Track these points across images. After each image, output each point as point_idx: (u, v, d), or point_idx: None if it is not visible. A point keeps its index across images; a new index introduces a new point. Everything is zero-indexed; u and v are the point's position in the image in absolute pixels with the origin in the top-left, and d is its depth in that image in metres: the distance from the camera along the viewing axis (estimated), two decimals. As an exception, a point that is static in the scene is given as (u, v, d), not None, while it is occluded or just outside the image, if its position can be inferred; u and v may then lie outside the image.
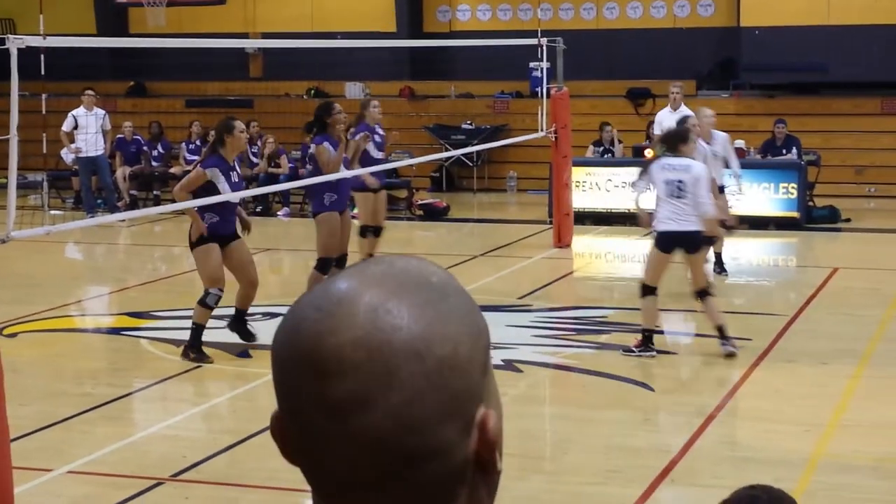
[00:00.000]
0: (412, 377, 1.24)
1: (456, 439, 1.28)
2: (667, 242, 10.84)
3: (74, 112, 20.20)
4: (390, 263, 1.32)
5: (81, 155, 20.12)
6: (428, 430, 1.25)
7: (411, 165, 19.39)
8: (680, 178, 10.71)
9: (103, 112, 20.55)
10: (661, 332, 11.47)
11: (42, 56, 11.30)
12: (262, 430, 8.95)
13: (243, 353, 11.28)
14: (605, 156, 20.44)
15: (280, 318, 1.34)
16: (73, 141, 20.22)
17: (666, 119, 18.20)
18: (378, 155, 14.10)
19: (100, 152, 20.32)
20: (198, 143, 22.35)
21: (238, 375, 10.64)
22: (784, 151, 19.52)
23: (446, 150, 21.84)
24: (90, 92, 20.59)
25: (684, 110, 18.64)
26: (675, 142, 11.06)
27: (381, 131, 14.28)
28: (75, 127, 20.12)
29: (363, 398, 1.24)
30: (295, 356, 1.27)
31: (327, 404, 1.25)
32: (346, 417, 1.24)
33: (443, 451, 1.27)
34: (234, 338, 11.73)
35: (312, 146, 12.74)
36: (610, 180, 19.13)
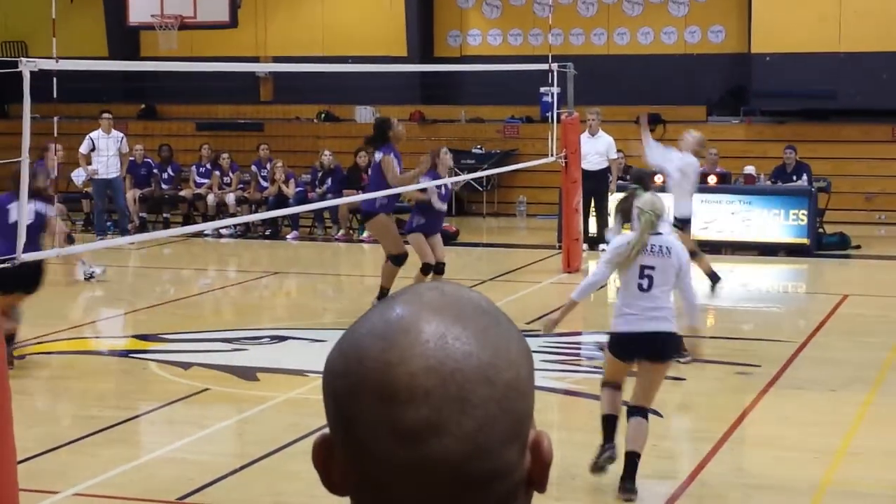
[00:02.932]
0: (484, 402, 1.27)
1: (516, 461, 1.31)
2: None
3: (92, 134, 20.23)
4: (441, 290, 1.34)
5: (97, 177, 20.13)
6: (496, 453, 1.28)
7: (421, 190, 19.35)
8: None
9: (121, 135, 20.57)
10: None
11: (55, 79, 11.32)
12: (270, 453, 8.94)
13: (250, 377, 11.27)
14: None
15: (332, 347, 1.34)
16: (89, 163, 20.25)
17: (584, 143, 18.29)
18: (441, 206, 13.98)
19: (115, 175, 20.34)
20: (208, 166, 22.39)
21: (245, 399, 10.62)
22: (794, 178, 19.50)
23: (456, 174, 21.84)
24: (108, 115, 20.61)
25: (602, 136, 18.91)
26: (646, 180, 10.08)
27: (448, 185, 14.16)
28: (92, 149, 20.14)
29: (436, 424, 1.26)
30: (362, 386, 1.28)
31: (400, 432, 1.26)
32: (420, 444, 1.26)
33: (506, 473, 1.30)
34: (240, 361, 11.75)
35: (379, 155, 13.44)
36: (595, 205, 19.13)
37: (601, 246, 17.95)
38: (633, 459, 8.00)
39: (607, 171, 19.09)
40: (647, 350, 8.03)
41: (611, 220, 11.17)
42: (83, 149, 20.12)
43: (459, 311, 1.31)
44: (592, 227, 18.77)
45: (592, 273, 8.92)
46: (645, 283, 8.14)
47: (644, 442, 8.04)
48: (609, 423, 8.22)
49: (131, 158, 21.76)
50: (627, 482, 7.99)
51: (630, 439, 8.02)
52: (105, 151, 20.08)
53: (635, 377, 8.21)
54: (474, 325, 1.30)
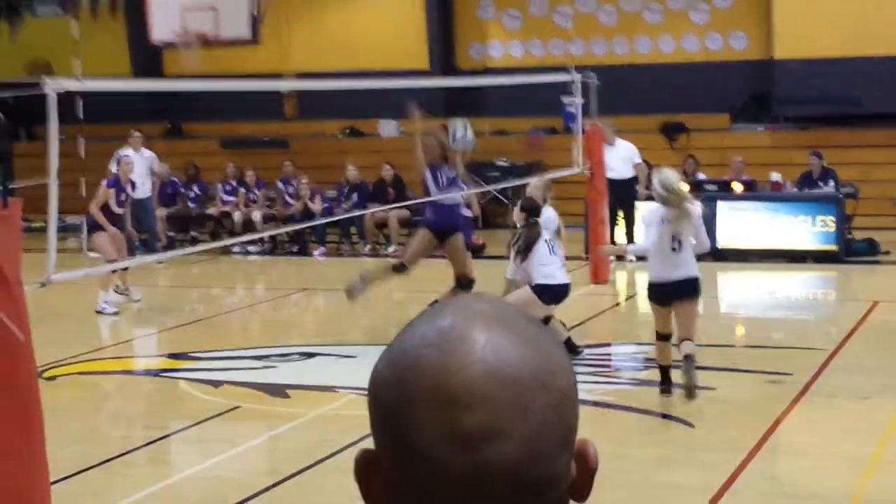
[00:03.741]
0: (542, 409, 1.29)
1: (566, 468, 1.33)
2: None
3: (122, 151, 20.15)
4: (487, 301, 1.37)
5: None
6: (551, 460, 1.30)
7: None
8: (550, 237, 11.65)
9: (151, 154, 20.56)
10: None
11: (79, 100, 11.43)
12: (301, 470, 8.94)
13: (280, 394, 11.29)
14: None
15: (378, 358, 1.35)
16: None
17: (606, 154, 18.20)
18: (443, 197, 13.71)
19: (147, 195, 20.30)
20: (234, 183, 22.46)
21: (276, 415, 10.63)
22: (821, 184, 19.42)
23: (481, 187, 21.83)
24: (137, 133, 20.63)
25: (620, 143, 18.74)
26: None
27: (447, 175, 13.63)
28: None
29: (496, 429, 1.27)
30: (418, 393, 1.29)
31: (458, 437, 1.27)
32: (478, 450, 1.27)
33: (559, 480, 1.32)
34: (270, 378, 11.77)
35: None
36: (624, 215, 19.09)
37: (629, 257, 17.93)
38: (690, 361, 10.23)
39: (633, 179, 18.99)
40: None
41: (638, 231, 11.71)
42: (113, 166, 20.02)
43: (509, 321, 1.33)
44: (620, 237, 18.72)
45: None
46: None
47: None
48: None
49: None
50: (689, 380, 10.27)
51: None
52: (137, 170, 20.03)
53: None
54: (525, 334, 1.32)
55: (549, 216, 12.20)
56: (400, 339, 1.35)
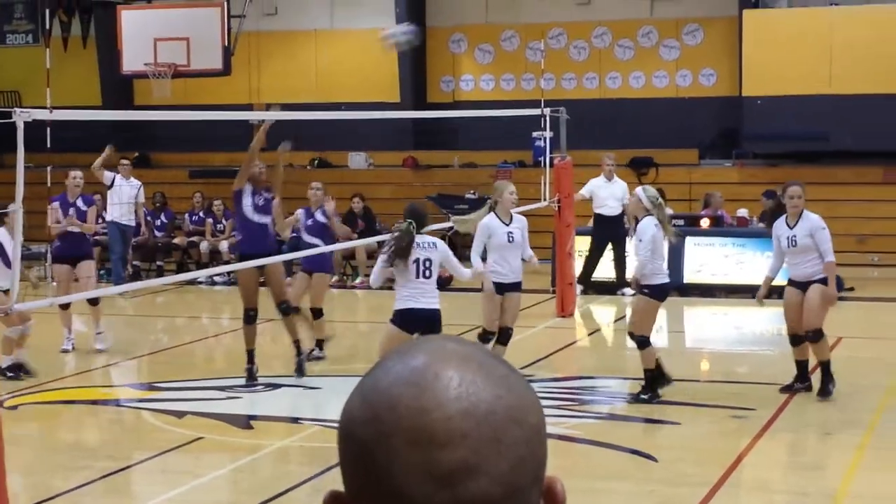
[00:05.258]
0: (516, 444, 1.31)
1: (536, 503, 1.35)
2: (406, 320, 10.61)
3: (115, 176, 20.13)
4: (455, 340, 1.39)
5: (116, 220, 20.04)
6: (526, 494, 1.32)
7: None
8: (428, 257, 10.68)
9: (139, 183, 20.52)
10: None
11: (48, 129, 11.40)
12: (264, 502, 8.88)
13: (244, 425, 11.24)
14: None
15: (350, 395, 1.36)
16: (104, 202, 20.19)
17: (600, 188, 18.42)
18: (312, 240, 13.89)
19: (131, 223, 20.27)
20: (200, 214, 22.41)
21: (240, 447, 10.57)
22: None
23: (449, 219, 21.85)
24: (125, 161, 20.62)
25: (617, 182, 18.92)
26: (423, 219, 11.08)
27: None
28: (110, 186, 20.01)
29: (474, 466, 1.29)
30: (394, 431, 1.30)
31: (437, 474, 1.28)
32: (457, 486, 1.28)
33: None
34: (234, 409, 11.72)
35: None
36: (613, 250, 19.11)
37: (621, 290, 18.04)
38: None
39: (622, 216, 19.07)
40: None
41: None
42: (106, 180, 19.93)
43: (480, 359, 1.35)
44: (610, 272, 18.72)
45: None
46: None
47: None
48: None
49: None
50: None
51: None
52: (125, 197, 20.03)
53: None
54: (497, 372, 1.35)
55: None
56: (372, 376, 1.36)
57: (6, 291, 12.81)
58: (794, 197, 11.94)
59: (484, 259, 11.98)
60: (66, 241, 14.75)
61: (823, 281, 11.86)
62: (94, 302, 14.54)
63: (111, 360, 15.02)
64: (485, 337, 12.04)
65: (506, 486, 1.30)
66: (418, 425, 1.29)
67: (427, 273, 10.65)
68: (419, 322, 10.55)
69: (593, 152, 21.83)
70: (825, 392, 11.77)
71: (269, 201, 12.98)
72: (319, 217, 14.29)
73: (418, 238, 10.68)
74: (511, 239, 11.96)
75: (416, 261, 10.61)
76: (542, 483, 1.35)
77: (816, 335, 11.81)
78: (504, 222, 12.05)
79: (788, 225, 12.04)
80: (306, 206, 14.29)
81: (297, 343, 13.01)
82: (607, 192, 18.63)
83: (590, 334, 16.91)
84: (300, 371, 12.92)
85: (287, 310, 12.97)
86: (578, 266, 18.33)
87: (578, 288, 18.08)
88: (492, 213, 12.12)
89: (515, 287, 12.12)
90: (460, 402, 1.30)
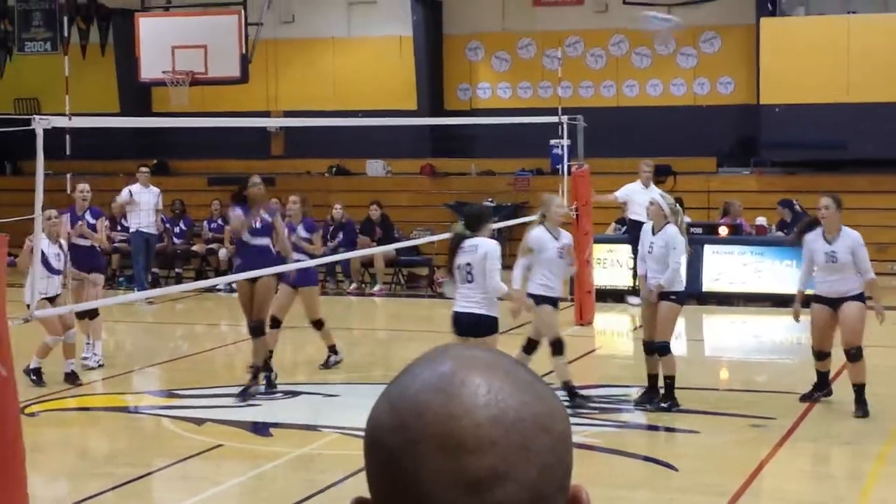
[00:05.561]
0: (544, 451, 1.32)
1: None
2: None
3: (131, 187, 20.29)
4: (480, 348, 1.39)
5: (140, 229, 20.15)
6: (551, 501, 1.33)
7: (433, 243, 19.41)
8: (468, 261, 10.46)
9: (158, 191, 20.62)
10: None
11: (67, 136, 11.42)
12: (284, 510, 8.89)
13: (264, 432, 11.25)
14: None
15: (377, 402, 1.36)
16: (124, 215, 20.35)
17: (637, 193, 18.39)
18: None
19: (155, 232, 20.40)
20: (219, 221, 22.45)
21: (259, 454, 10.58)
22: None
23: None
24: (145, 169, 20.74)
25: (654, 189, 18.84)
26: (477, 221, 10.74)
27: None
28: (128, 202, 20.19)
29: (503, 472, 1.29)
30: (423, 438, 1.30)
31: (466, 481, 1.29)
32: (485, 492, 1.29)
33: None
34: (253, 416, 11.74)
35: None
36: (632, 258, 19.10)
37: (629, 298, 18.04)
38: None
39: None
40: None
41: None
42: (122, 198, 20.11)
43: (506, 367, 1.35)
44: (620, 280, 18.71)
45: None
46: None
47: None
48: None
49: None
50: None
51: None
52: (145, 205, 20.16)
53: None
54: (522, 379, 1.35)
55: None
56: (399, 383, 1.36)
57: (52, 299, 12.86)
58: (821, 208, 11.71)
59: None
60: (75, 254, 14.35)
61: (858, 297, 11.54)
62: (93, 316, 14.20)
63: (131, 367, 15.05)
64: (533, 347, 11.98)
65: (533, 494, 1.30)
66: (446, 432, 1.29)
67: (469, 277, 10.46)
68: (460, 326, 10.52)
69: (611, 160, 21.84)
70: (864, 412, 11.51)
71: (267, 223, 12.88)
72: (302, 232, 14.22)
73: (466, 241, 10.55)
74: (562, 255, 11.93)
75: (459, 265, 10.52)
76: (567, 491, 1.36)
77: (859, 353, 11.59)
78: (554, 236, 11.96)
79: (827, 240, 11.66)
80: (289, 221, 14.09)
81: (254, 368, 12.65)
82: (644, 199, 18.48)
83: (608, 342, 16.87)
84: (244, 395, 12.38)
85: (257, 330, 12.64)
86: (598, 274, 18.28)
87: (635, 300, 17.92)
88: (542, 227, 11.96)
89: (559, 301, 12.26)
90: (489, 409, 1.30)
